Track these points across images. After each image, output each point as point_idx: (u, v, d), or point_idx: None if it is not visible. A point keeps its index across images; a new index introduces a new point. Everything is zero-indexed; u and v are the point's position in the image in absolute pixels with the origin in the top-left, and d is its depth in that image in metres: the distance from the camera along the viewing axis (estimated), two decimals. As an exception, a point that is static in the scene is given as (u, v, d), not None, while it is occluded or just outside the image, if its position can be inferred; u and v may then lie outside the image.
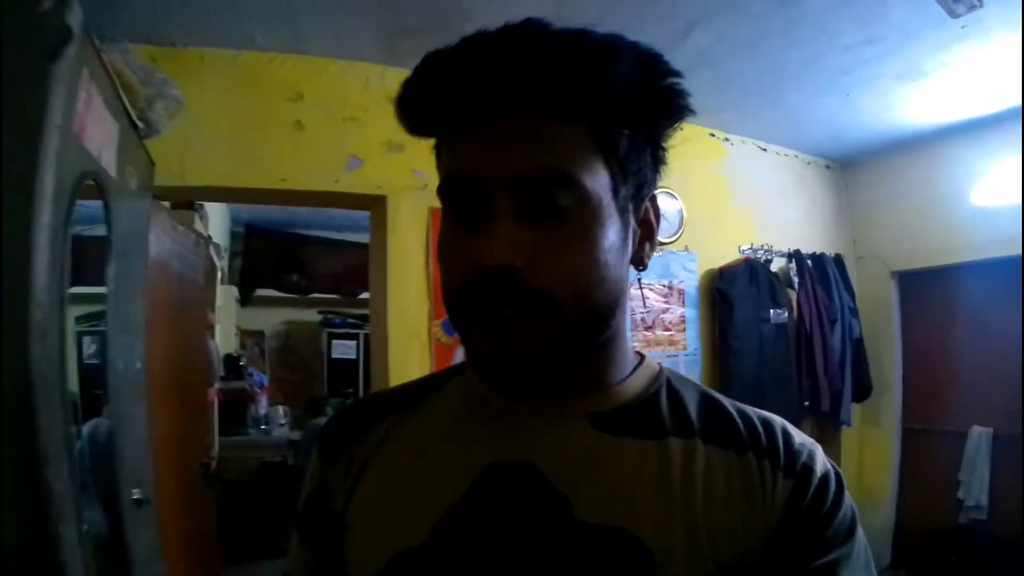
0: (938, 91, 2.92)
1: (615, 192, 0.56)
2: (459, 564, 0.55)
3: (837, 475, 0.57)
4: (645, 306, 3.07)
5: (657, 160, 0.60)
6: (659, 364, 0.66)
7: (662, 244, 3.19)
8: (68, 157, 1.22)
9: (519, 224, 0.52)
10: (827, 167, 3.97)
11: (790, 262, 3.55)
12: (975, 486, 3.37)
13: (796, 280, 3.50)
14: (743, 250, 3.43)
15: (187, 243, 2.75)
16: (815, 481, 0.55)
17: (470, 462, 0.59)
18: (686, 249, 3.25)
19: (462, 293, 0.55)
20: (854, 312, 3.68)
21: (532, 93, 0.52)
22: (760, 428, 0.58)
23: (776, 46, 2.54)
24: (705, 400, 0.62)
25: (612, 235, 0.55)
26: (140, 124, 1.90)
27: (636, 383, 0.62)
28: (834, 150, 3.84)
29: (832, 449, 3.65)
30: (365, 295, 4.39)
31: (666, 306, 3.13)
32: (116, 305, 1.63)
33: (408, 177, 2.55)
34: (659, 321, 3.10)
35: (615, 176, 0.56)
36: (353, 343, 4.84)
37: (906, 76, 2.77)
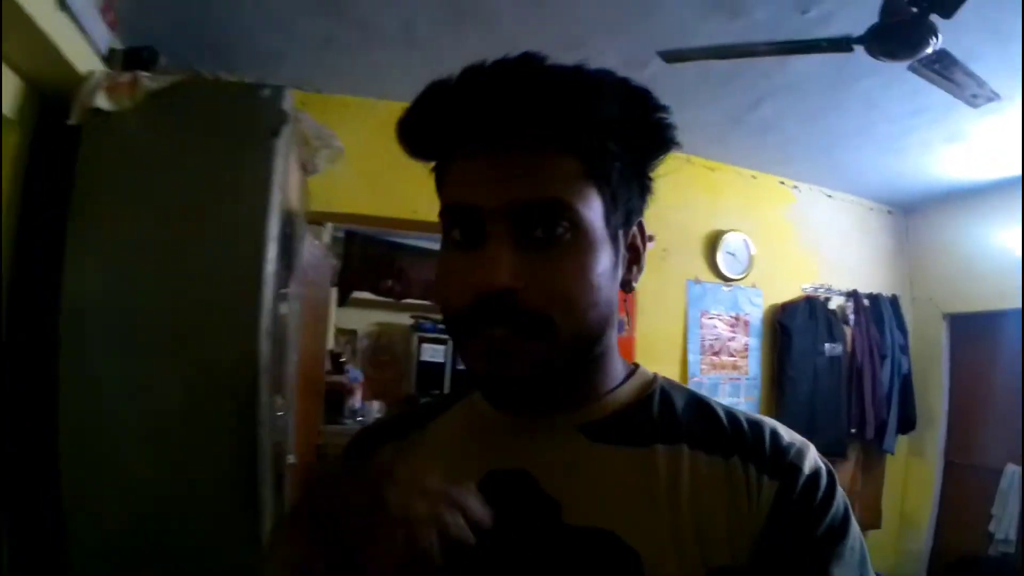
0: (981, 150, 3.21)
1: (607, 219, 0.58)
2: (455, 563, 0.55)
3: (829, 472, 0.57)
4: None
5: (644, 189, 0.63)
6: (654, 373, 0.68)
7: (732, 281, 3.58)
8: (281, 203, 1.72)
9: (516, 250, 0.54)
10: (888, 212, 4.23)
11: (848, 300, 3.87)
12: (1005, 520, 3.53)
13: (852, 317, 3.83)
14: (804, 288, 3.77)
15: (318, 254, 3.26)
16: (802, 479, 0.55)
17: (471, 472, 0.60)
18: (753, 285, 3.63)
19: (462, 315, 0.57)
20: (904, 349, 3.96)
21: (529, 126, 0.55)
22: (747, 431, 0.59)
23: (832, 118, 2.93)
24: (695, 405, 0.63)
25: (604, 260, 0.58)
26: (307, 168, 2.39)
27: (626, 392, 0.64)
28: (895, 197, 4.10)
29: (876, 475, 3.94)
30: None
31: (732, 335, 3.52)
32: (291, 309, 2.10)
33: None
34: (725, 348, 3.49)
35: (607, 204, 0.58)
36: (442, 347, 5.12)
37: (952, 139, 3.08)
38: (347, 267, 5.36)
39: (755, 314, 3.63)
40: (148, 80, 1.69)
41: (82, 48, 1.72)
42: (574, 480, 0.58)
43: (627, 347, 3.23)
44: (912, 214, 4.27)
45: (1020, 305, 3.41)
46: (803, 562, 0.53)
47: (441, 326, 5.17)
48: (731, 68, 2.36)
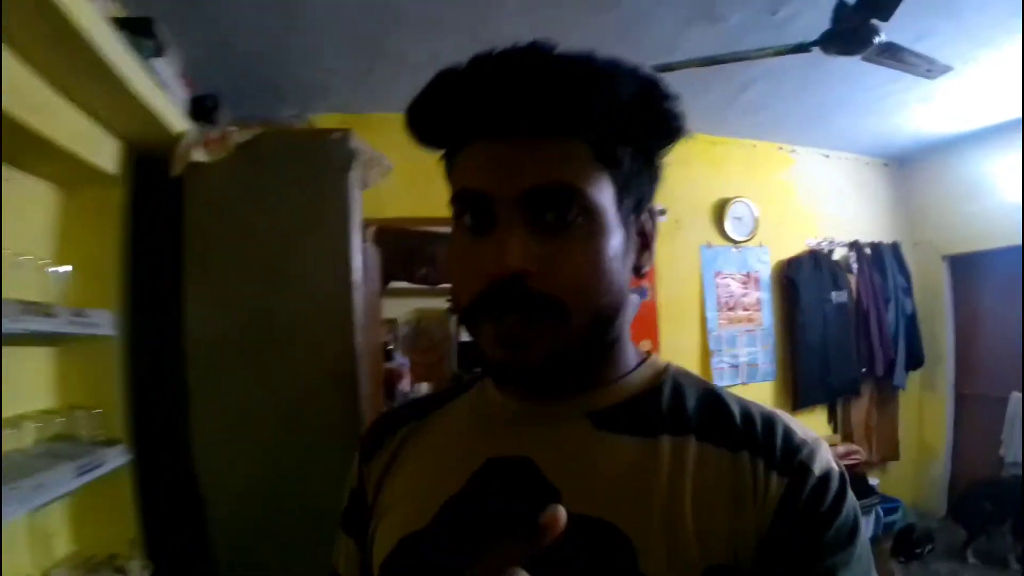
0: (955, 105, 3.51)
1: (618, 205, 0.57)
2: (453, 548, 0.57)
3: (841, 475, 0.56)
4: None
5: (654, 175, 0.62)
6: (666, 363, 0.67)
7: (740, 243, 3.93)
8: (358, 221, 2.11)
9: (528, 234, 0.54)
10: (884, 165, 4.51)
11: (850, 251, 4.19)
12: (1013, 445, 3.78)
13: (855, 266, 4.15)
14: (808, 243, 4.11)
15: (371, 253, 3.67)
16: (812, 480, 0.54)
17: (471, 458, 0.61)
18: (760, 245, 3.99)
19: (475, 300, 0.56)
20: (907, 292, 4.27)
21: (540, 112, 0.54)
22: (759, 425, 0.58)
23: (814, 91, 3.26)
24: (707, 397, 0.62)
25: (616, 245, 0.57)
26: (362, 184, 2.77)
27: (636, 380, 0.63)
28: (888, 151, 4.38)
29: (890, 410, 4.26)
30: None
31: (744, 291, 3.88)
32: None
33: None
34: (739, 304, 3.86)
35: (618, 190, 0.57)
36: None
37: (926, 99, 3.39)
38: (383, 259, 5.74)
39: (764, 271, 3.98)
40: (236, 134, 2.04)
41: (171, 110, 1.94)
42: (577, 468, 0.58)
43: (651, 311, 3.60)
44: (907, 165, 4.51)
45: (1019, 243, 3.62)
46: (808, 568, 0.51)
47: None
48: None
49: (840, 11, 2.05)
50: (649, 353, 0.68)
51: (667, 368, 0.65)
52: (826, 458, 0.56)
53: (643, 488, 0.55)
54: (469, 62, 0.56)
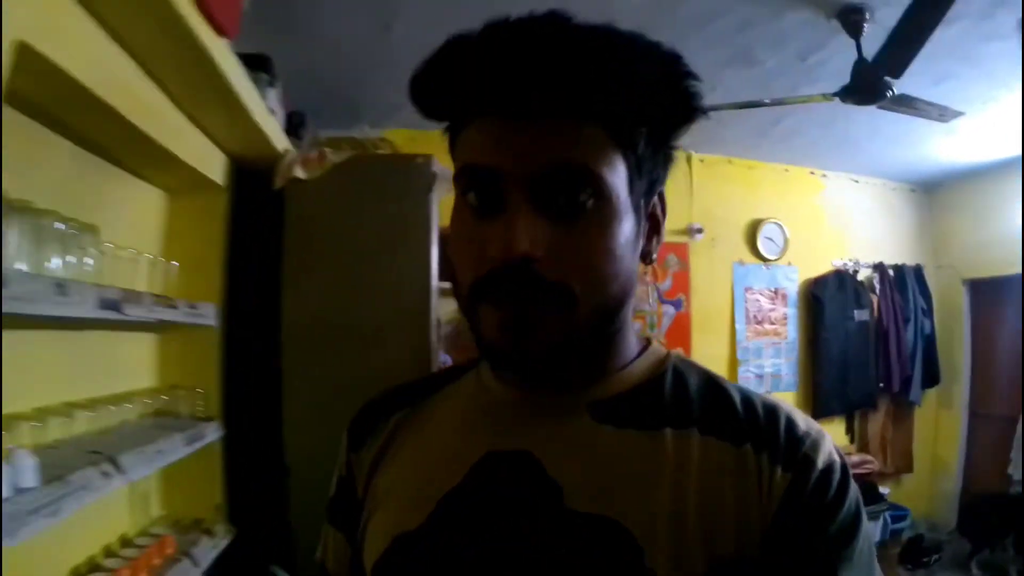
0: (977, 136, 3.68)
1: (631, 188, 0.55)
2: (452, 547, 0.55)
3: (843, 467, 0.55)
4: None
5: (668, 158, 0.60)
6: (667, 350, 0.65)
7: (771, 261, 4.19)
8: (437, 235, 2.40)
9: (537, 217, 0.51)
10: (911, 191, 4.70)
11: (874, 272, 4.43)
12: (1021, 464, 3.87)
13: (878, 286, 4.39)
14: (835, 263, 4.35)
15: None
16: (816, 474, 0.53)
17: (469, 452, 0.59)
18: (789, 263, 4.25)
19: (479, 282, 0.53)
20: (927, 313, 4.47)
21: (555, 87, 0.51)
22: (762, 417, 0.57)
23: (844, 123, 3.48)
24: (709, 387, 0.60)
25: (627, 229, 0.55)
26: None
27: (638, 369, 0.61)
28: (916, 177, 4.57)
29: (906, 425, 4.45)
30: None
31: (772, 307, 4.16)
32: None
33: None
34: (767, 318, 4.14)
35: (632, 172, 0.55)
36: None
37: (950, 132, 3.53)
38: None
39: (792, 288, 4.25)
40: (331, 154, 2.34)
41: (276, 131, 2.17)
42: (579, 463, 0.56)
43: (685, 322, 3.90)
44: (932, 191, 4.68)
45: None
46: (811, 562, 0.51)
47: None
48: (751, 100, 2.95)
49: (858, 67, 2.33)
50: (649, 340, 0.66)
51: (668, 356, 0.64)
52: (829, 450, 0.55)
53: (647, 484, 0.54)
54: (483, 29, 0.53)
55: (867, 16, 2.35)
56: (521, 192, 0.51)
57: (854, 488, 0.55)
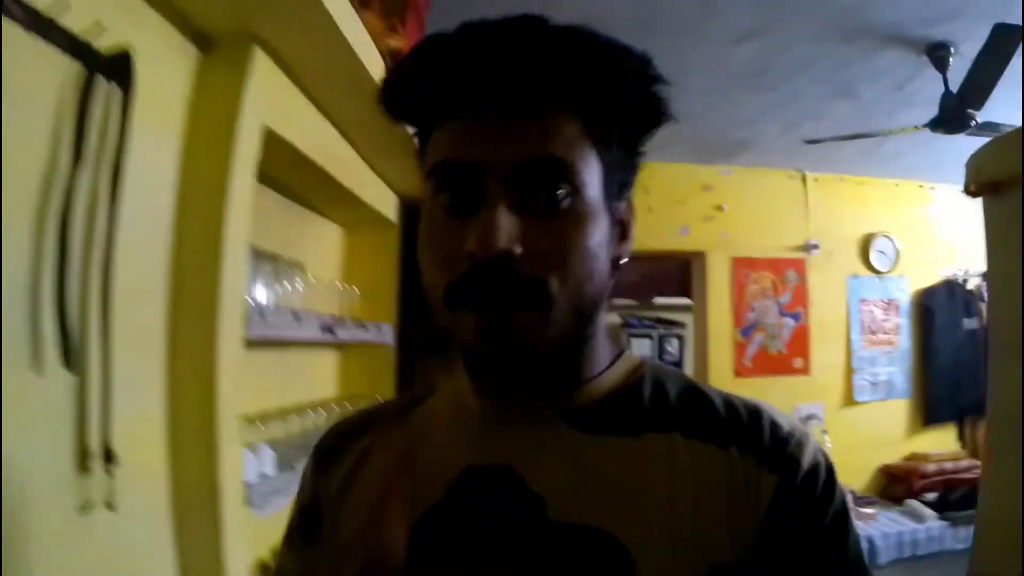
0: None
1: (605, 188, 0.55)
2: (433, 568, 0.54)
3: (828, 467, 0.55)
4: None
5: (635, 163, 0.60)
6: (641, 357, 0.64)
7: (883, 274, 4.38)
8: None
9: (514, 213, 0.51)
10: (1019, 198, 4.82)
11: (983, 280, 4.54)
12: None
13: (986, 295, 4.51)
14: (944, 273, 4.49)
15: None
16: (801, 474, 0.53)
17: (446, 468, 0.58)
18: (901, 275, 4.42)
19: (454, 284, 0.52)
20: (1036, 320, 4.58)
21: (536, 88, 0.51)
22: (745, 419, 0.56)
23: (947, 141, 3.56)
24: (688, 391, 0.60)
25: (601, 230, 0.55)
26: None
27: (613, 376, 0.60)
28: None
29: (1013, 428, 4.60)
30: (659, 300, 5.08)
31: (886, 317, 4.36)
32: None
33: (718, 238, 4.00)
34: (880, 328, 4.34)
35: (605, 171, 0.55)
36: (647, 341, 5.27)
37: None
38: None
39: (903, 298, 4.42)
40: None
41: None
42: (560, 473, 0.55)
43: (804, 333, 4.14)
44: (1044, 198, 4.79)
45: None
46: (804, 562, 0.51)
47: (647, 322, 5.37)
48: (853, 129, 3.23)
49: (944, 100, 2.61)
50: (622, 349, 0.65)
51: (643, 363, 0.63)
52: (813, 450, 0.55)
53: (635, 491, 0.53)
54: (458, 30, 0.53)
55: (952, 51, 2.59)
56: (499, 186, 0.51)
57: (841, 489, 0.55)
